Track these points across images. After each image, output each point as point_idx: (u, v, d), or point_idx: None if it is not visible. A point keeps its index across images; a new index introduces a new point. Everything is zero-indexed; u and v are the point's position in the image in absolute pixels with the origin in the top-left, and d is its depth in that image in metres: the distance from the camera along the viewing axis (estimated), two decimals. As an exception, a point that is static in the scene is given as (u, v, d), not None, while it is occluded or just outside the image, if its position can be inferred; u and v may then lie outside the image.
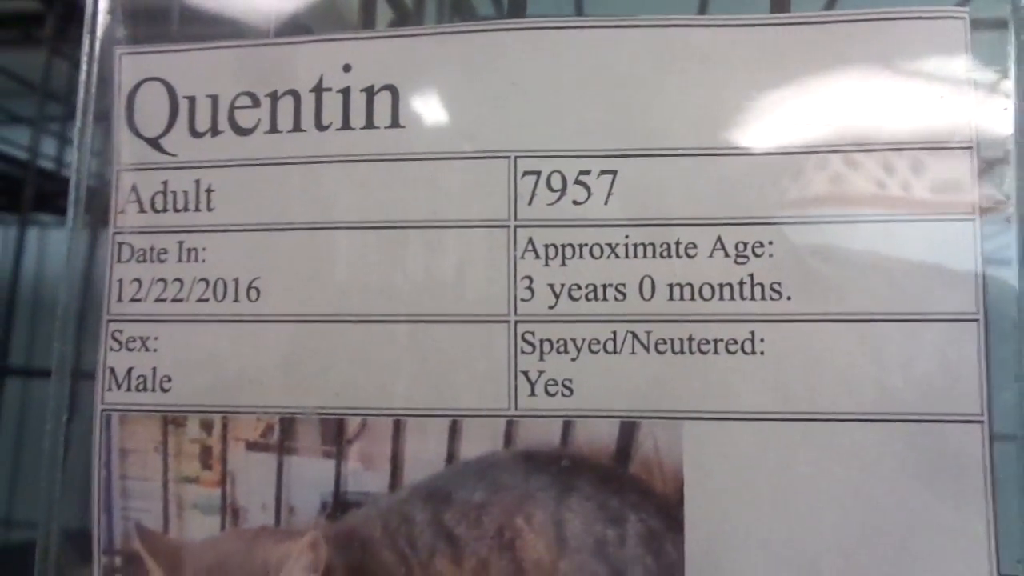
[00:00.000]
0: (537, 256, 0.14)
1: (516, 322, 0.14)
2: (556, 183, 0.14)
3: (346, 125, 0.15)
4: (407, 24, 0.17)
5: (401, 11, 0.20)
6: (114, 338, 0.15)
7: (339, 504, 0.14)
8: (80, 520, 0.15)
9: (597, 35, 0.14)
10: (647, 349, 0.14)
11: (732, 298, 0.14)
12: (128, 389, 0.15)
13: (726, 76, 0.14)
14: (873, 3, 0.14)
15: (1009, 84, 0.13)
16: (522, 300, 0.14)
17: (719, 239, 0.14)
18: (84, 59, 0.16)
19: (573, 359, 0.14)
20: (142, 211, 0.15)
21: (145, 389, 0.15)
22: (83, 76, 0.16)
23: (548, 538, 0.14)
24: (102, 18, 0.16)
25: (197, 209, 0.15)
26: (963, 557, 0.13)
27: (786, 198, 0.14)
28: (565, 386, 0.14)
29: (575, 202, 0.14)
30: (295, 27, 0.16)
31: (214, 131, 0.15)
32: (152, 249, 0.15)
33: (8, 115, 0.62)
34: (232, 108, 0.15)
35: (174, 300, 0.15)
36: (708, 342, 0.14)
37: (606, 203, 0.14)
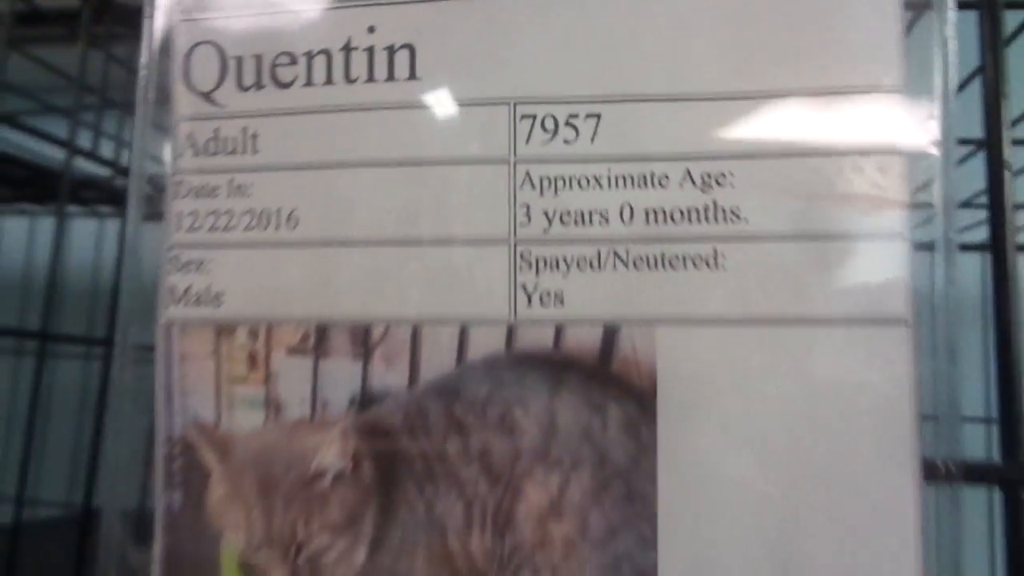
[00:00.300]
0: (533, 188, 0.16)
1: (515, 244, 0.16)
2: (549, 125, 0.16)
3: (371, 78, 0.17)
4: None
5: None
6: (174, 262, 0.18)
7: (365, 399, 0.17)
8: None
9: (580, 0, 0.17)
10: (626, 265, 0.16)
11: (698, 221, 0.16)
12: (186, 305, 0.17)
13: (694, 32, 0.16)
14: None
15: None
16: (520, 225, 0.16)
17: (687, 171, 0.16)
18: (145, 28, 0.18)
19: (564, 275, 0.16)
20: (196, 155, 0.18)
21: (200, 304, 0.17)
22: (145, 43, 0.18)
23: (542, 425, 0.16)
24: (159, -8, 0.18)
25: (244, 152, 0.18)
26: (885, 421, 0.15)
27: (746, 137, 0.16)
28: (557, 297, 0.16)
29: (565, 141, 0.16)
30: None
31: (258, 85, 0.18)
32: (205, 187, 0.18)
33: (59, 109, 0.65)
34: (273, 66, 0.18)
35: (224, 229, 0.17)
36: (678, 258, 0.16)
37: (592, 142, 0.16)
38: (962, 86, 0.19)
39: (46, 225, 1.01)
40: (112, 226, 0.86)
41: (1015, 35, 0.28)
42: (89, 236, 0.84)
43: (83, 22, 0.51)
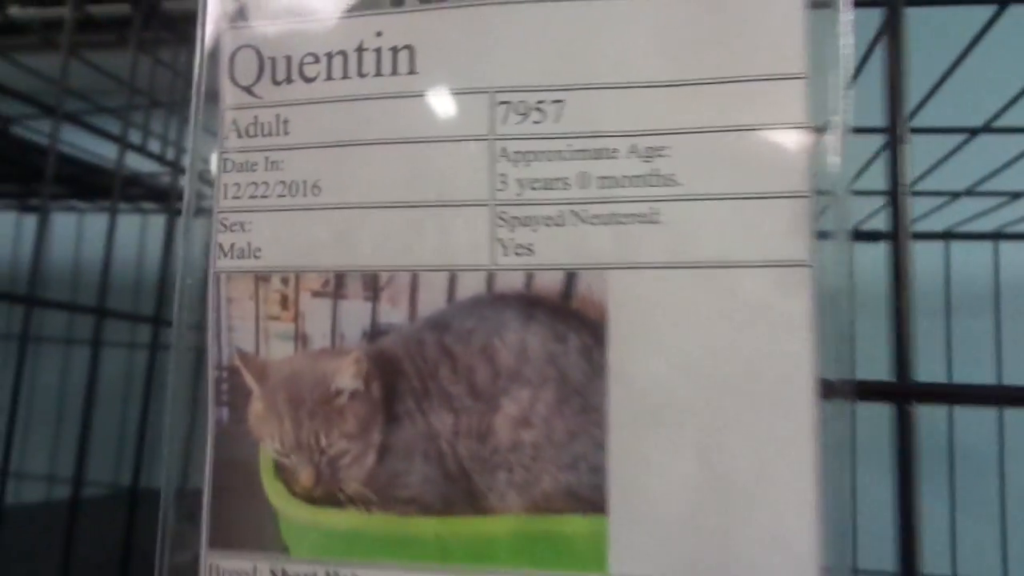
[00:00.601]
0: (509, 160, 0.20)
1: (495, 205, 0.20)
2: (521, 109, 0.20)
3: (378, 73, 0.21)
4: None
5: None
6: (222, 224, 0.22)
7: (374, 332, 0.21)
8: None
9: (548, 8, 0.20)
10: (583, 222, 0.20)
11: (641, 186, 0.20)
12: (232, 258, 0.22)
13: (636, 33, 0.20)
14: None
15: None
16: (498, 191, 0.20)
17: (633, 145, 0.20)
18: (198, 35, 0.23)
19: (533, 231, 0.20)
20: (239, 137, 0.22)
21: (243, 257, 0.22)
22: (198, 47, 0.23)
23: (515, 352, 0.20)
24: (212, 6, 0.23)
25: (277, 134, 0.22)
26: (789, 345, 0.19)
27: (679, 116, 0.20)
28: (527, 249, 0.20)
29: (535, 122, 0.20)
30: (347, 6, 0.22)
31: (288, 80, 0.22)
32: (247, 163, 0.22)
33: (112, 109, 0.70)
34: (301, 64, 0.22)
35: (262, 197, 0.22)
36: (624, 216, 0.20)
37: (556, 122, 0.20)
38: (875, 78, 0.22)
39: (93, 221, 1.07)
40: (155, 221, 0.91)
41: (980, 36, 0.31)
42: (134, 231, 0.90)
43: (134, 29, 0.56)
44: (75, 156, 0.74)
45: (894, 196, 0.20)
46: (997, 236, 0.66)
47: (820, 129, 0.19)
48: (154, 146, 0.63)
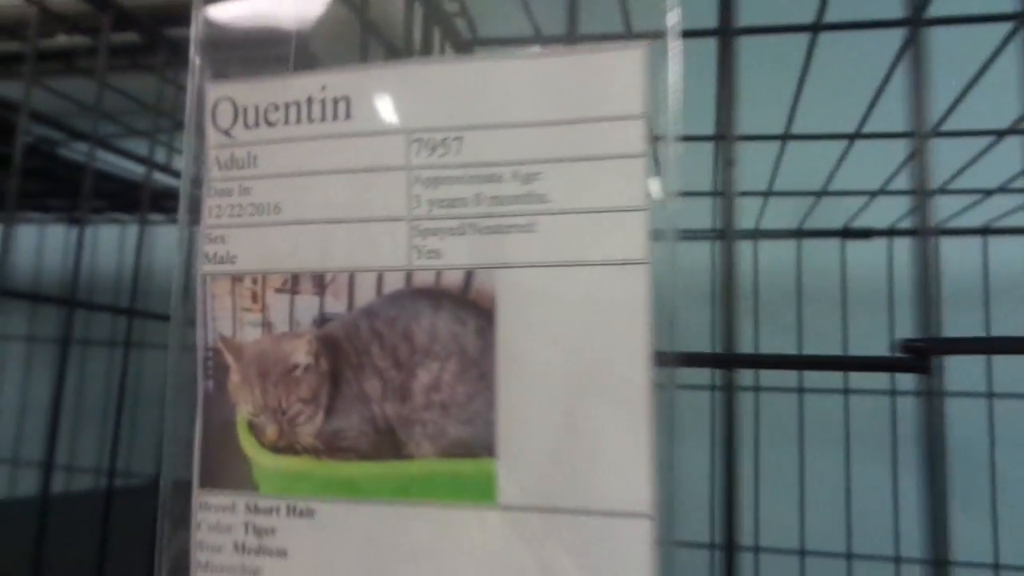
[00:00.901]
0: (421, 184, 0.26)
1: (411, 220, 0.26)
2: (430, 145, 0.26)
3: (323, 119, 0.27)
4: (397, 56, 0.30)
5: (390, 48, 0.33)
6: (207, 237, 0.28)
7: (322, 320, 0.27)
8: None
9: (450, 68, 0.26)
10: (478, 232, 0.26)
11: (521, 203, 0.25)
12: (214, 263, 0.28)
13: (512, 85, 0.26)
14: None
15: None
16: (413, 208, 0.26)
17: (515, 172, 0.26)
18: (189, 88, 0.29)
19: (440, 239, 0.26)
20: (219, 169, 0.28)
21: (222, 263, 0.28)
22: (189, 97, 0.29)
23: (427, 333, 0.26)
24: (198, 63, 0.29)
25: (248, 167, 0.28)
26: (628, 325, 0.24)
27: (549, 149, 0.25)
28: (436, 253, 0.26)
29: (440, 155, 0.26)
30: (303, 63, 0.28)
31: (256, 125, 0.28)
32: (225, 190, 0.28)
33: (127, 128, 0.78)
34: (265, 112, 0.28)
35: (236, 216, 0.28)
36: (508, 227, 0.26)
37: (457, 155, 0.26)
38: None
39: (134, 233, 1.16)
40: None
41: (994, 57, 0.36)
42: (170, 240, 0.97)
43: (159, 60, 0.63)
44: (115, 174, 0.82)
45: (728, 200, 0.25)
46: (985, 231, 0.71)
47: (655, 155, 0.25)
48: (180, 163, 0.70)
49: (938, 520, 0.23)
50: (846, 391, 0.81)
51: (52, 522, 0.50)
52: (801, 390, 0.81)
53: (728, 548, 0.24)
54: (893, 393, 0.79)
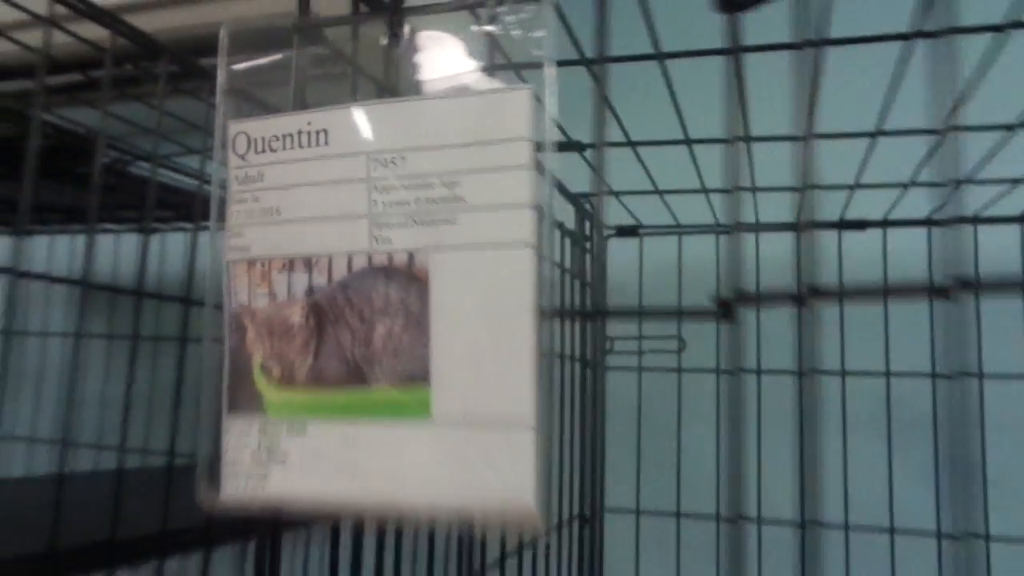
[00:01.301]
0: (377, 191, 0.36)
1: (371, 217, 0.36)
2: (383, 162, 0.36)
3: (309, 145, 0.38)
4: (382, 96, 0.41)
5: (380, 86, 0.43)
6: (231, 233, 0.39)
7: (310, 291, 0.37)
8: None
9: (395, 107, 0.36)
10: (417, 224, 0.36)
11: (447, 204, 0.35)
12: (235, 252, 0.39)
13: (443, 115, 0.36)
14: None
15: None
16: (373, 209, 0.36)
17: (442, 180, 0.36)
18: (217, 125, 0.40)
19: (391, 230, 0.36)
20: (239, 184, 0.39)
21: (241, 252, 0.38)
22: (216, 130, 0.40)
23: (384, 299, 0.36)
24: (222, 107, 0.40)
25: (257, 181, 0.38)
26: (519, 292, 0.34)
27: (468, 165, 0.35)
28: (389, 240, 0.36)
29: (391, 170, 0.36)
30: (299, 105, 0.39)
31: (263, 150, 0.39)
32: (242, 199, 0.39)
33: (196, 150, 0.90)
34: (269, 142, 0.38)
35: (250, 217, 0.38)
36: (440, 220, 0.35)
37: (402, 169, 0.36)
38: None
39: (201, 239, 1.30)
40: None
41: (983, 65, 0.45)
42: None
43: (195, 85, 0.74)
44: (180, 187, 0.95)
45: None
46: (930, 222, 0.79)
47: (540, 165, 0.34)
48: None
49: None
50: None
51: (125, 490, 0.61)
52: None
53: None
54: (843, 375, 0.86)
